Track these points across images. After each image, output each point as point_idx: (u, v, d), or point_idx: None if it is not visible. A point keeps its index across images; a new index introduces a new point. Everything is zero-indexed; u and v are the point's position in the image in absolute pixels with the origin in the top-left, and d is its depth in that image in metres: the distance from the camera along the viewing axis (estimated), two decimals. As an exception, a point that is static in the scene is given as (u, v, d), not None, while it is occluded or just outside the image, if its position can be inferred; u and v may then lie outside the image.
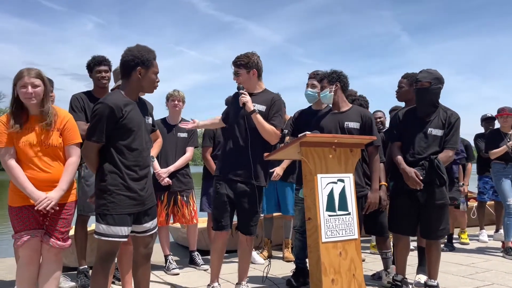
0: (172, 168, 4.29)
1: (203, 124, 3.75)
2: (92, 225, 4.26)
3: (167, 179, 4.23)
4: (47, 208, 2.58)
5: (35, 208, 2.58)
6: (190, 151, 4.45)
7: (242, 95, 3.19)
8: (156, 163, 4.31)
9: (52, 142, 2.68)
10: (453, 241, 5.47)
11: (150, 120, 2.68)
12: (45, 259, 2.73)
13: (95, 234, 2.48)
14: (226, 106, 3.68)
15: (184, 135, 4.44)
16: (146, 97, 3.13)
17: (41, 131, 2.66)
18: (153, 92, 2.68)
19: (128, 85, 2.56)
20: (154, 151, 3.29)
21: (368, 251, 5.15)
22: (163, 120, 4.50)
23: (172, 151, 4.36)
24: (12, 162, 2.59)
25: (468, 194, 7.35)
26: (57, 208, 2.64)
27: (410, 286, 3.54)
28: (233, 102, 3.38)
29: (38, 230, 2.65)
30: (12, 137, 2.61)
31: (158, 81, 2.63)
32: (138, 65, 2.51)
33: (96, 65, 3.75)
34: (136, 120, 2.52)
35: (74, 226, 3.87)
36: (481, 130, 6.08)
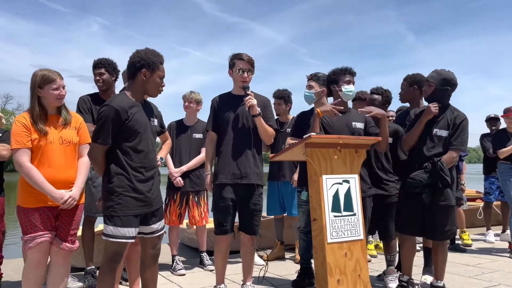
0: (184, 168, 4.34)
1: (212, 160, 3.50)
2: (99, 226, 4.31)
3: (179, 178, 4.27)
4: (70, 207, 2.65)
5: (60, 208, 2.63)
6: (204, 152, 4.48)
7: (250, 97, 3.15)
8: (170, 162, 4.38)
9: (72, 139, 2.76)
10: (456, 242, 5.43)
11: (155, 122, 2.70)
12: (54, 262, 2.75)
13: (103, 235, 2.50)
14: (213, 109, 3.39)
15: (199, 136, 4.47)
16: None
17: (60, 129, 2.73)
18: (157, 96, 2.69)
19: (133, 86, 2.59)
20: (163, 152, 3.31)
21: None
22: (180, 121, 4.57)
23: (186, 152, 4.40)
24: (29, 164, 2.62)
25: (474, 193, 7.30)
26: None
27: (416, 287, 3.53)
28: (228, 104, 3.30)
29: (50, 232, 2.68)
30: (32, 138, 2.64)
31: (163, 85, 2.64)
32: (143, 67, 2.53)
33: (93, 67, 3.79)
34: (142, 122, 2.54)
35: (81, 227, 3.90)
36: (487, 130, 6.06)
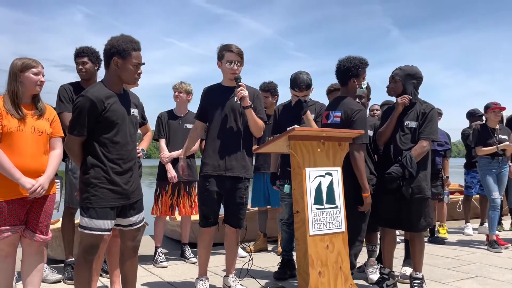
0: (174, 154, 4.31)
1: (192, 149, 3.48)
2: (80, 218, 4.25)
3: (175, 175, 4.23)
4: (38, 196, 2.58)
5: (29, 197, 2.56)
6: (197, 143, 4.46)
7: (242, 88, 3.10)
8: (164, 148, 4.36)
9: (45, 129, 2.69)
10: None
11: (135, 112, 2.64)
12: (27, 253, 2.70)
13: (79, 227, 2.47)
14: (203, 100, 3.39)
15: (191, 126, 4.43)
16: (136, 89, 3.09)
17: (33, 118, 2.67)
18: (135, 83, 2.63)
19: (109, 76, 2.53)
20: (144, 144, 3.26)
21: None
22: (170, 112, 4.53)
23: (179, 142, 4.35)
24: None
25: (457, 187, 7.40)
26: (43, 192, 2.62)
27: (397, 278, 3.58)
28: (218, 95, 3.27)
29: (18, 226, 2.61)
30: (3, 123, 2.56)
31: (139, 73, 2.54)
32: (114, 54, 2.47)
33: (75, 56, 3.72)
34: (120, 113, 2.49)
35: (61, 219, 3.84)
36: (468, 125, 6.17)
